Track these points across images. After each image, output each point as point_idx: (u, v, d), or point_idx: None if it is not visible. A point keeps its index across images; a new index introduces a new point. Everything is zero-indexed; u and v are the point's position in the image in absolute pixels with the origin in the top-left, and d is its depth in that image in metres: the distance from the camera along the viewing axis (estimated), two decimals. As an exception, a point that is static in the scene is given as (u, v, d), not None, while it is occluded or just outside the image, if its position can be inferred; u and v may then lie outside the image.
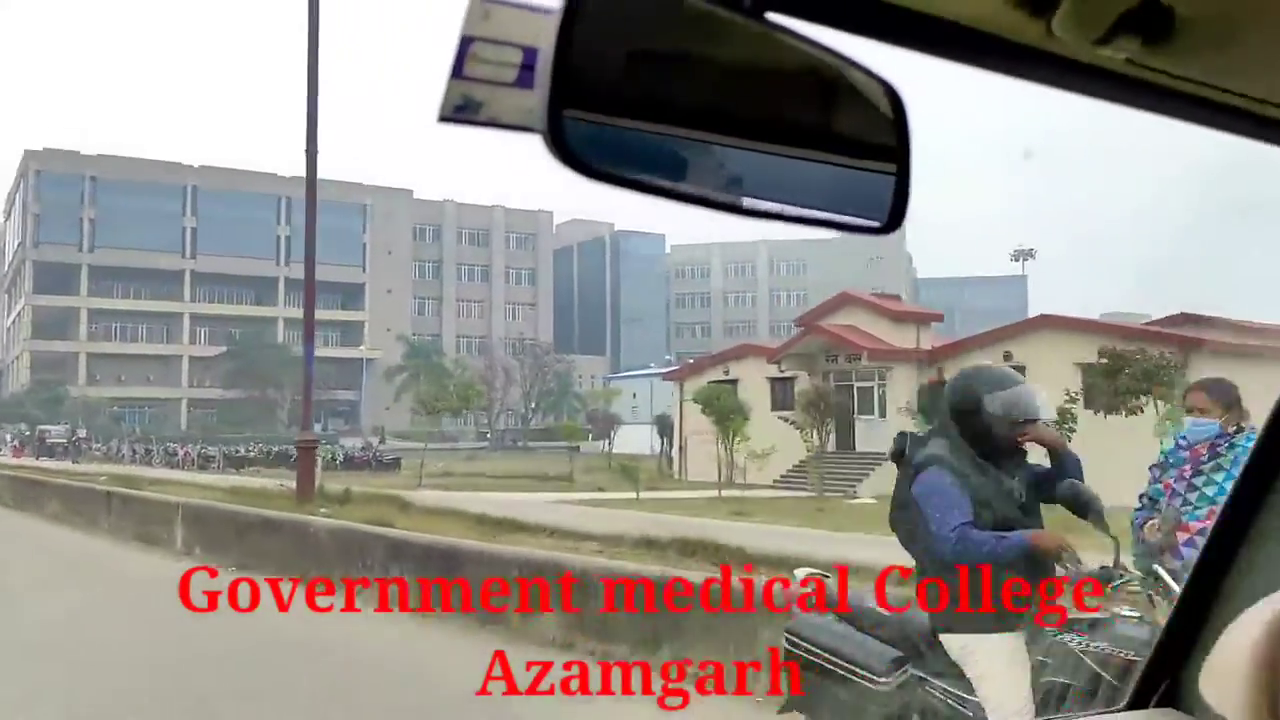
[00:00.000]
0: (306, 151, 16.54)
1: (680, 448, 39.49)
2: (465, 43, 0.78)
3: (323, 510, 12.64)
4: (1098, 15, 0.92)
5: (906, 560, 3.94)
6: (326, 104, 16.70)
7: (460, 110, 0.80)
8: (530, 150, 0.75)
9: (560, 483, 35.56)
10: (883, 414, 32.47)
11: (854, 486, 29.61)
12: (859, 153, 0.92)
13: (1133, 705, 1.55)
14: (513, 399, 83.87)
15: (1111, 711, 1.70)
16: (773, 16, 0.84)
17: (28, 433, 62.81)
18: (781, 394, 35.32)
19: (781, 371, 35.48)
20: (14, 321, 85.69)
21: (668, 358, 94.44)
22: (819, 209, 0.92)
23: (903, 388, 31.87)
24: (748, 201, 0.87)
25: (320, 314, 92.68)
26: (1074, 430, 22.66)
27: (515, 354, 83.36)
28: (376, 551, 10.03)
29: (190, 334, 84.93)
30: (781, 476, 31.55)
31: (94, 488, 17.77)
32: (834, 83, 0.89)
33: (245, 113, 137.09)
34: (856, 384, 33.45)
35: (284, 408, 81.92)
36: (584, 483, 34.42)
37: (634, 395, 72.16)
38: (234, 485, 19.02)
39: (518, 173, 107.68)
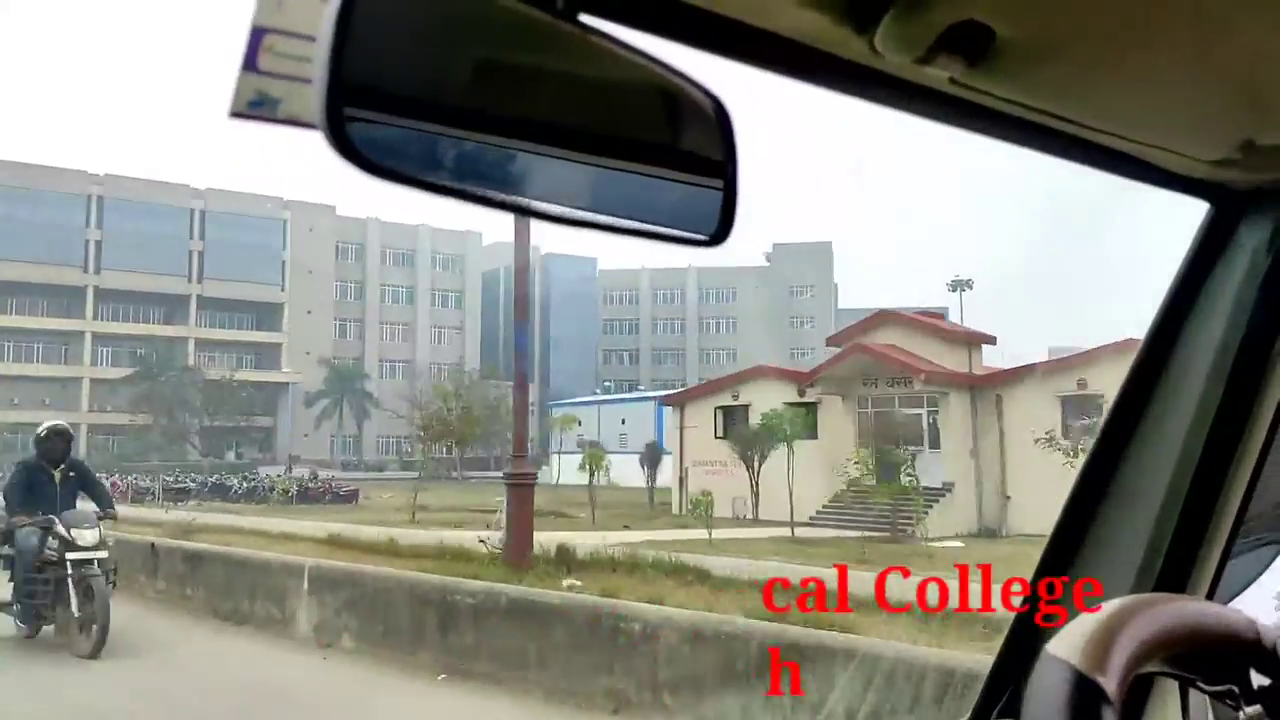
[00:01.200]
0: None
1: (680, 479, 36.37)
2: (257, 34, 0.76)
3: (567, 583, 8.92)
4: (919, 33, 0.92)
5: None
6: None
7: (255, 106, 0.77)
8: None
9: (561, 519, 31.93)
10: (935, 445, 29.79)
11: (910, 527, 26.93)
12: (683, 164, 0.88)
13: (976, 715, 1.53)
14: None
15: None
16: (587, 19, 0.79)
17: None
18: (804, 420, 32.53)
19: (802, 396, 32.71)
20: (-109, 338, 77.92)
21: (607, 383, 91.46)
22: (642, 220, 0.87)
23: (957, 415, 29.37)
24: (565, 211, 0.82)
25: (234, 335, 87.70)
26: None
27: (449, 380, 79.15)
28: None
29: (92, 354, 78.34)
30: (818, 512, 28.70)
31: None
32: (655, 92, 0.84)
33: (156, 119, 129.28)
34: (901, 411, 30.83)
35: (196, 433, 76.33)
36: (596, 520, 30.85)
37: (579, 423, 69.17)
38: (331, 534, 14.22)
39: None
